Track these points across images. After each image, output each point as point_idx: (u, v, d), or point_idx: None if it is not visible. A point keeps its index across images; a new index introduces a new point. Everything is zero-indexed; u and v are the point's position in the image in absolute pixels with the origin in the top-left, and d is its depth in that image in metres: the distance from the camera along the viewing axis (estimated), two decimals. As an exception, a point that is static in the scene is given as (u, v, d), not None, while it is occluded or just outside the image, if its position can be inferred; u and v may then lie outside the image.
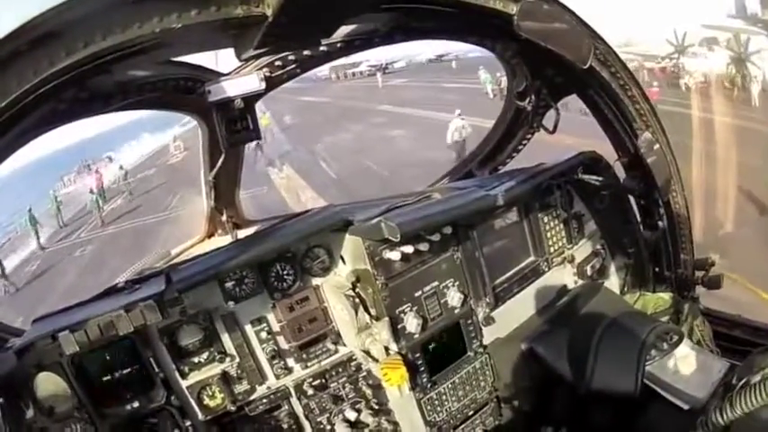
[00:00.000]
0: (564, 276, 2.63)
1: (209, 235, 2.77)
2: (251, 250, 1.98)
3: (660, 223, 2.59)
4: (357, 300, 2.09)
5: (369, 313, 2.10)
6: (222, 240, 2.68)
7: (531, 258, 2.51)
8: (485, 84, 23.90)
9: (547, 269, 2.53)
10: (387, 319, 2.06)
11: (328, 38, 1.84)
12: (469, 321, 2.29)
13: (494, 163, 2.82)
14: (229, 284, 2.05)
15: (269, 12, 1.40)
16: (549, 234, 2.52)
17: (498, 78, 20.82)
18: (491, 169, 2.83)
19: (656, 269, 2.72)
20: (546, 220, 2.50)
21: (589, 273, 2.64)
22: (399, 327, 2.11)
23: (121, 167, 28.10)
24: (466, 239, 2.24)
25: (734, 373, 1.97)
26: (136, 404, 2.08)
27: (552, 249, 2.53)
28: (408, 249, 2.04)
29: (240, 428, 2.18)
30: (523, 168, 2.50)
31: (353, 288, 2.10)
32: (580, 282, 2.65)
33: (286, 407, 2.22)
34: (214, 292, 2.05)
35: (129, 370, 2.06)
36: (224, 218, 2.61)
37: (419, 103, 25.96)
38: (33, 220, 19.17)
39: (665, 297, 2.66)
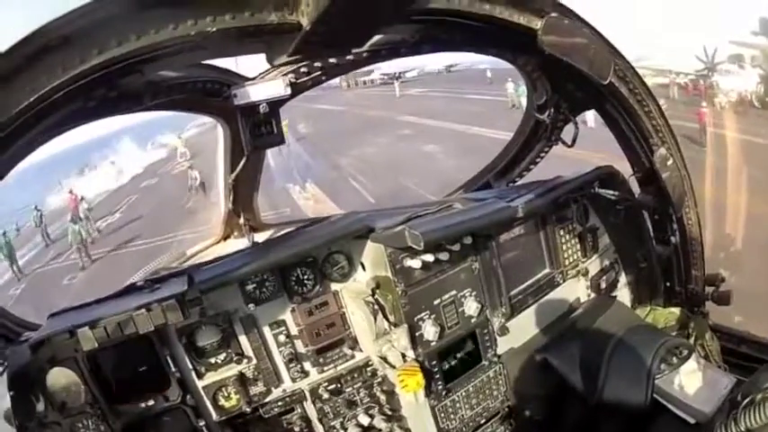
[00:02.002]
0: (577, 289, 2.74)
1: (226, 237, 2.86)
2: (274, 254, 2.07)
3: (673, 239, 2.72)
4: (376, 306, 2.19)
5: (387, 320, 2.20)
6: (238, 243, 2.77)
7: (547, 270, 2.62)
8: (517, 96, 22.16)
9: (561, 281, 2.64)
10: (405, 326, 2.16)
11: (360, 48, 1.95)
12: (485, 331, 2.40)
13: (511, 175, 2.94)
14: (250, 287, 2.14)
15: (304, 20, 1.49)
16: (564, 247, 2.63)
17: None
18: (508, 181, 2.95)
19: (668, 284, 2.84)
20: (562, 233, 2.62)
21: (602, 286, 2.76)
22: (417, 334, 2.21)
23: (82, 199, 20.29)
24: (484, 250, 2.34)
25: (740, 389, 2.09)
26: (150, 402, 2.14)
27: (567, 262, 2.65)
28: (429, 258, 2.14)
29: (253, 430, 2.26)
30: (541, 181, 2.62)
31: (373, 294, 2.20)
32: (593, 295, 2.76)
33: (299, 410, 2.31)
34: (234, 294, 2.13)
35: (144, 368, 2.15)
36: (241, 220, 2.70)
37: (446, 115, 24.63)
38: (9, 249, 16.41)
39: (675, 312, 2.78)
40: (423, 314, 2.22)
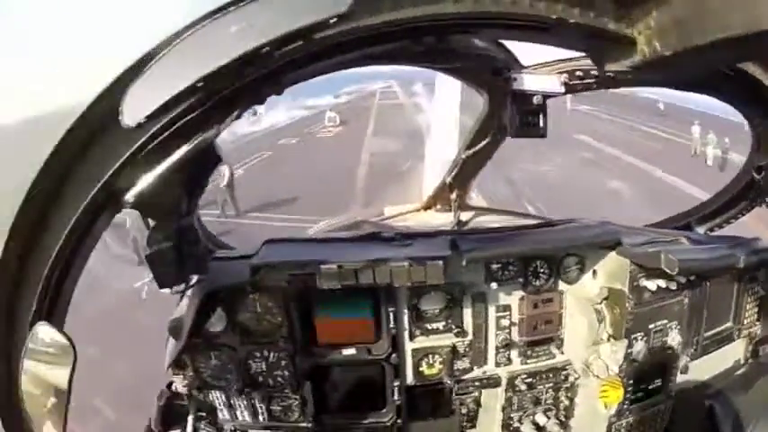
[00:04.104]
0: (740, 350, 2.90)
1: (428, 206, 2.96)
2: (543, 242, 2.20)
3: None
4: (602, 315, 2.33)
5: (606, 330, 2.34)
6: (440, 216, 2.87)
7: (729, 324, 2.76)
8: (703, 145, 19.95)
9: (735, 338, 2.80)
10: (626, 340, 2.29)
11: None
12: (674, 365, 2.54)
13: (712, 223, 3.08)
14: (495, 266, 2.25)
15: (640, 39, 1.58)
16: (747, 306, 2.79)
17: (725, 145, 17.44)
18: (708, 229, 3.09)
19: None
20: (750, 292, 2.78)
21: (760, 353, 2.93)
22: (628, 350, 2.34)
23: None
24: (698, 289, 2.49)
25: None
26: (351, 351, 2.23)
27: (745, 321, 2.81)
28: (662, 284, 2.27)
29: (422, 400, 2.36)
30: (741, 237, 2.77)
31: (600, 303, 2.34)
32: (750, 360, 2.93)
33: (475, 393, 2.42)
34: (477, 268, 2.25)
35: (357, 317, 2.23)
36: (453, 195, 2.81)
37: (625, 146, 21.59)
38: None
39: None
40: (638, 334, 2.34)
